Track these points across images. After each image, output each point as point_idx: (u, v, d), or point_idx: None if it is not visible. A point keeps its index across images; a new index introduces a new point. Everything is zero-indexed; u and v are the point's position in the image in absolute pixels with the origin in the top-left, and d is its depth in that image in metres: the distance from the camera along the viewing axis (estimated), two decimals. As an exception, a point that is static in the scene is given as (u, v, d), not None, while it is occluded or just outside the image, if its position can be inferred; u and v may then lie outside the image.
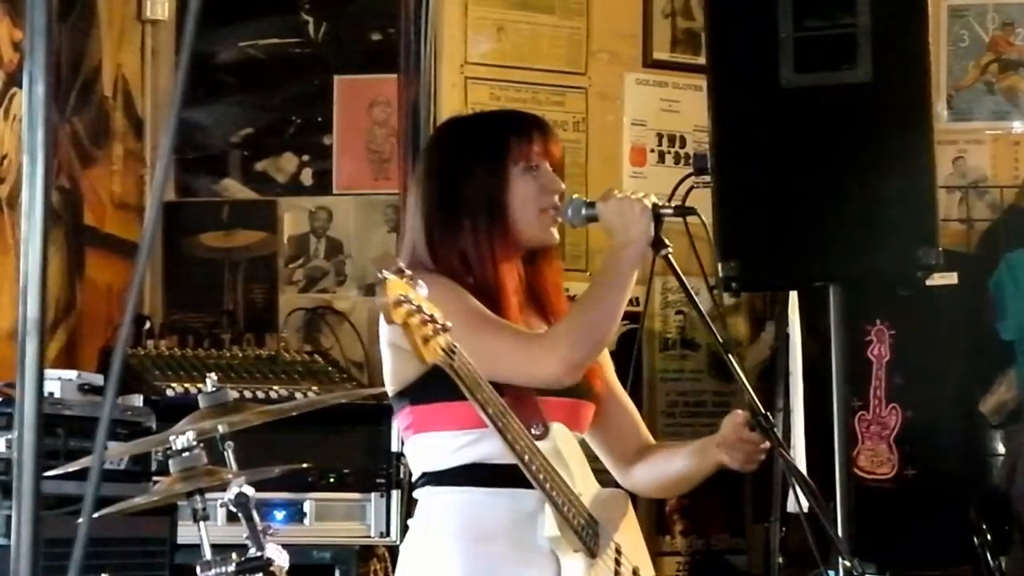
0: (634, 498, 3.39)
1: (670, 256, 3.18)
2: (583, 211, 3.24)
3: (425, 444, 3.21)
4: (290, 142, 6.30)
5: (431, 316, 2.77)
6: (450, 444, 3.17)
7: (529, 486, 3.08)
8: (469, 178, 3.23)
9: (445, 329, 2.80)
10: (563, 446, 3.13)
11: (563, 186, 3.27)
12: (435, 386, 3.08)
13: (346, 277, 6.27)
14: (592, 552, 3.15)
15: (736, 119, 4.50)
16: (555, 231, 3.28)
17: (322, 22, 6.28)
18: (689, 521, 6.23)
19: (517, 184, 3.22)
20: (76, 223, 5.73)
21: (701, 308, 3.29)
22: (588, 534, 3.15)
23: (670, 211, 3.24)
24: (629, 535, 3.30)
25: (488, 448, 3.12)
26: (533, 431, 3.08)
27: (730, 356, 3.16)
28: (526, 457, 3.02)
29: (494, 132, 3.30)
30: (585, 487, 3.19)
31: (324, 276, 6.28)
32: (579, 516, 3.13)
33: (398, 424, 3.34)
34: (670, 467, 3.34)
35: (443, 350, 2.81)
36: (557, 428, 3.13)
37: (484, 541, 3.14)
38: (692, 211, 3.31)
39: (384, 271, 2.73)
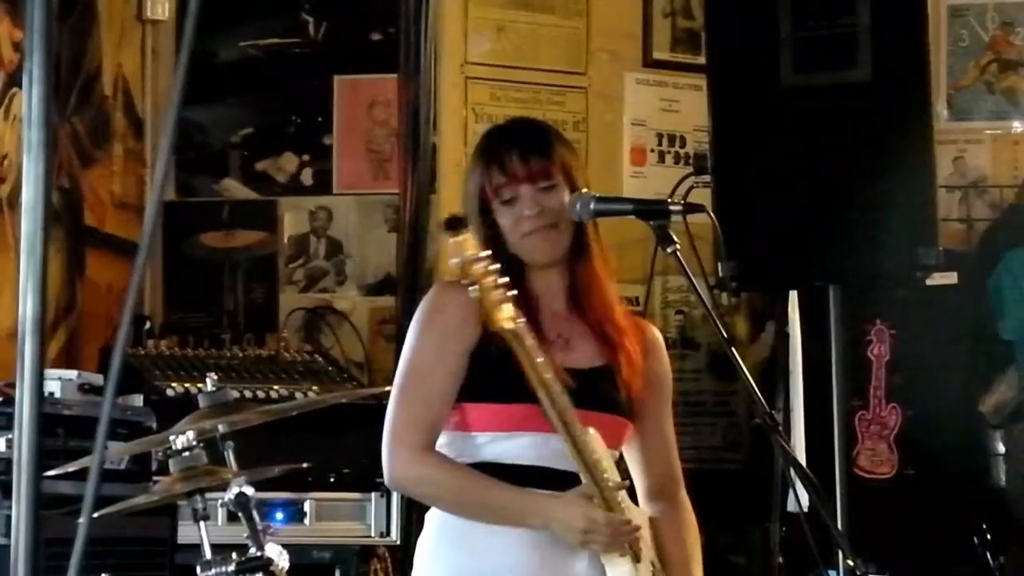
0: (634, 497, 3.38)
1: (678, 253, 3.15)
2: (592, 206, 3.22)
3: (446, 440, 3.21)
4: (290, 142, 6.30)
5: (500, 283, 2.80)
6: (471, 442, 3.17)
7: (545, 487, 3.09)
8: (467, 210, 3.24)
9: (510, 299, 2.82)
10: (597, 452, 3.11)
11: (540, 206, 3.18)
12: (471, 386, 3.13)
13: (346, 277, 6.27)
14: (636, 556, 3.14)
15: (736, 119, 4.50)
16: (553, 246, 3.21)
17: (322, 22, 6.28)
18: (689, 521, 6.22)
19: (499, 215, 3.21)
20: (76, 223, 5.73)
21: (708, 304, 3.27)
22: (631, 532, 3.14)
23: (678, 208, 3.21)
24: (656, 556, 3.28)
25: (507, 448, 3.13)
26: None
27: (734, 352, 3.14)
28: (576, 441, 3.02)
29: (472, 171, 3.28)
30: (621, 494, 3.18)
31: (324, 276, 6.28)
32: (620, 510, 3.12)
33: None
34: (665, 569, 3.30)
35: (510, 320, 2.84)
36: (592, 434, 3.11)
37: (483, 542, 3.14)
38: (700, 208, 3.28)
39: (456, 230, 2.77)
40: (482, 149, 3.33)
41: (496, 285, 2.79)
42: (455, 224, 2.92)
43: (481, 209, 3.21)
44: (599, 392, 3.19)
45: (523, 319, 2.89)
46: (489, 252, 2.78)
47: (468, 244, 2.74)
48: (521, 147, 3.25)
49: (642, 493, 3.36)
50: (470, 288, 2.80)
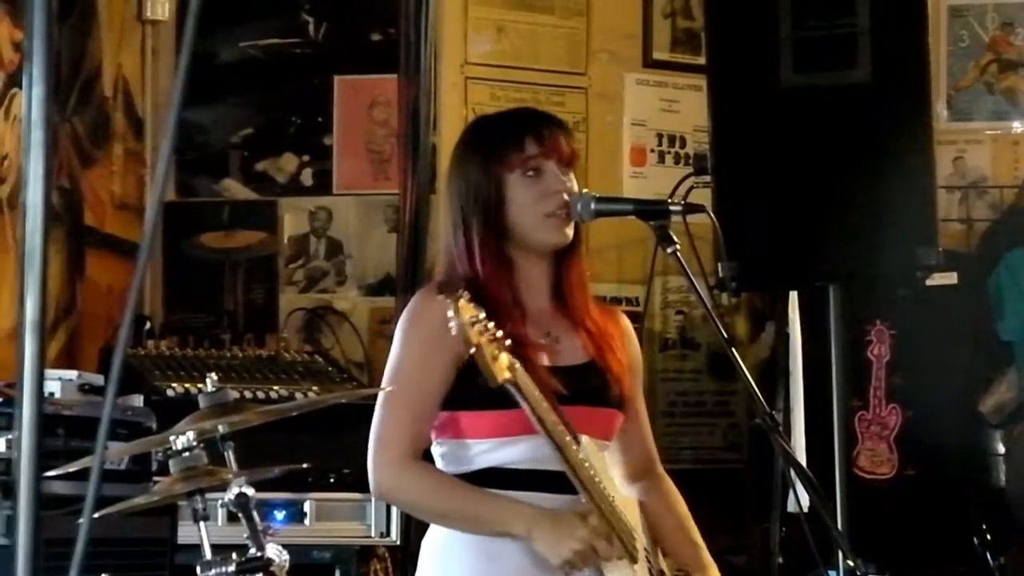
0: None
1: (678, 254, 3.15)
2: (592, 206, 3.22)
3: (444, 451, 3.20)
4: (290, 142, 6.31)
5: (495, 336, 2.80)
6: (470, 451, 3.16)
7: (546, 491, 3.10)
8: (471, 188, 3.21)
9: (506, 347, 2.82)
10: (593, 458, 3.12)
11: (567, 184, 3.22)
12: (455, 395, 3.12)
13: (346, 277, 6.27)
14: (633, 557, 3.15)
15: (736, 119, 4.50)
16: (568, 231, 3.22)
17: (322, 22, 6.28)
18: (689, 521, 6.22)
19: (515, 192, 3.18)
20: (76, 223, 5.73)
21: (709, 304, 3.28)
22: (628, 539, 3.14)
23: (679, 208, 3.21)
24: (646, 538, 3.29)
25: (507, 454, 3.13)
26: None
27: (735, 352, 3.14)
28: (575, 466, 3.02)
29: (487, 140, 3.26)
30: (616, 494, 3.18)
31: (324, 276, 6.28)
32: (620, 522, 3.12)
33: None
34: (665, 542, 3.33)
35: (508, 369, 2.84)
36: (586, 441, 3.11)
37: (497, 545, 3.13)
38: (701, 209, 3.29)
39: (455, 295, 2.78)
40: (509, 122, 3.32)
41: (491, 339, 2.80)
42: (447, 288, 2.98)
43: (496, 183, 3.19)
44: (591, 387, 3.20)
45: (517, 365, 2.89)
46: (483, 314, 2.80)
47: (465, 309, 2.75)
48: (555, 125, 3.27)
49: (623, 476, 3.37)
50: (471, 351, 2.81)
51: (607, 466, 3.20)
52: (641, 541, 3.22)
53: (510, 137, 3.22)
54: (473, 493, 3.12)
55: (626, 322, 3.41)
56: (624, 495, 3.28)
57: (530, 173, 3.19)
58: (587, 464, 3.06)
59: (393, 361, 3.20)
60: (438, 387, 3.14)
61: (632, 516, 3.24)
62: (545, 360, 3.16)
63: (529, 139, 3.20)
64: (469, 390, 3.09)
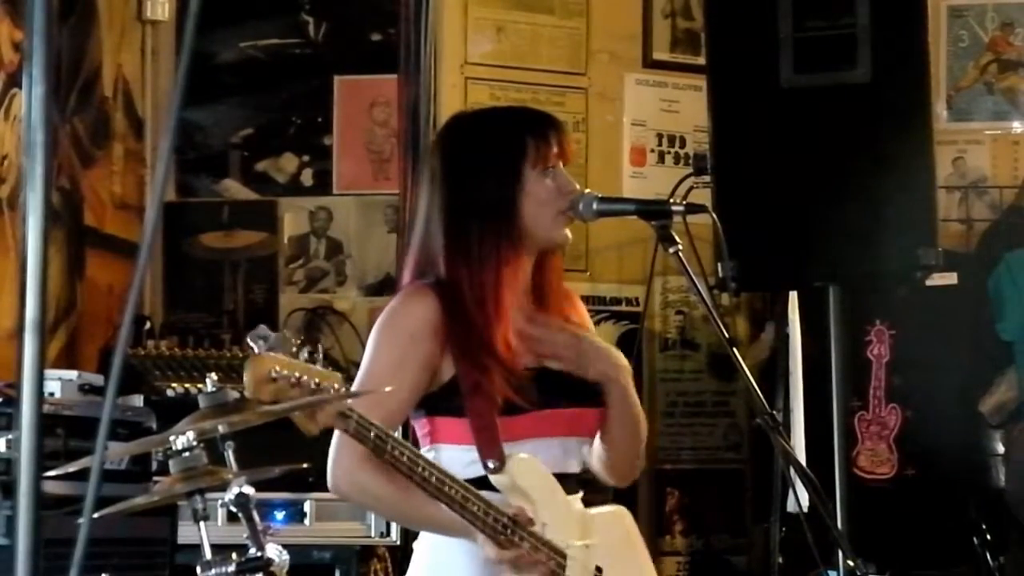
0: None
1: (680, 254, 3.14)
2: (595, 206, 3.21)
3: (444, 455, 3.16)
4: (290, 142, 6.31)
5: (316, 384, 2.76)
6: (468, 456, 3.12)
7: None
8: (482, 181, 3.17)
9: (338, 394, 2.80)
10: (522, 480, 3.06)
11: (578, 186, 3.23)
12: (453, 400, 3.10)
13: (346, 277, 6.27)
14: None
15: (736, 119, 4.50)
16: (568, 233, 3.23)
17: (322, 22, 6.28)
18: (689, 521, 6.23)
19: (533, 187, 3.15)
20: (76, 223, 5.73)
21: (710, 304, 3.27)
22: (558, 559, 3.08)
23: (681, 208, 3.21)
24: (622, 554, 3.23)
25: None
26: (489, 464, 3.04)
27: (735, 352, 3.14)
28: (452, 498, 2.99)
29: (511, 132, 3.21)
30: (554, 515, 3.10)
31: (324, 276, 6.28)
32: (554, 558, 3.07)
33: (417, 431, 3.27)
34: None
35: (336, 415, 2.81)
36: (518, 461, 3.06)
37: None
38: (702, 208, 3.28)
39: (256, 344, 2.73)
40: (527, 118, 3.29)
41: (309, 391, 2.77)
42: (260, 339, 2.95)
43: (515, 176, 3.15)
44: (575, 387, 3.18)
45: (352, 411, 2.86)
46: (281, 371, 2.75)
47: (259, 364, 2.72)
48: (561, 129, 3.26)
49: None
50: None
51: (549, 483, 3.11)
52: (589, 565, 3.13)
53: (537, 132, 3.19)
54: (434, 508, 3.05)
55: (581, 304, 3.39)
56: (569, 499, 3.17)
57: (548, 170, 3.18)
58: (475, 496, 2.99)
59: (367, 362, 3.17)
60: (409, 392, 3.11)
61: (603, 533, 3.17)
62: (531, 362, 3.15)
63: (552, 137, 3.19)
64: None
